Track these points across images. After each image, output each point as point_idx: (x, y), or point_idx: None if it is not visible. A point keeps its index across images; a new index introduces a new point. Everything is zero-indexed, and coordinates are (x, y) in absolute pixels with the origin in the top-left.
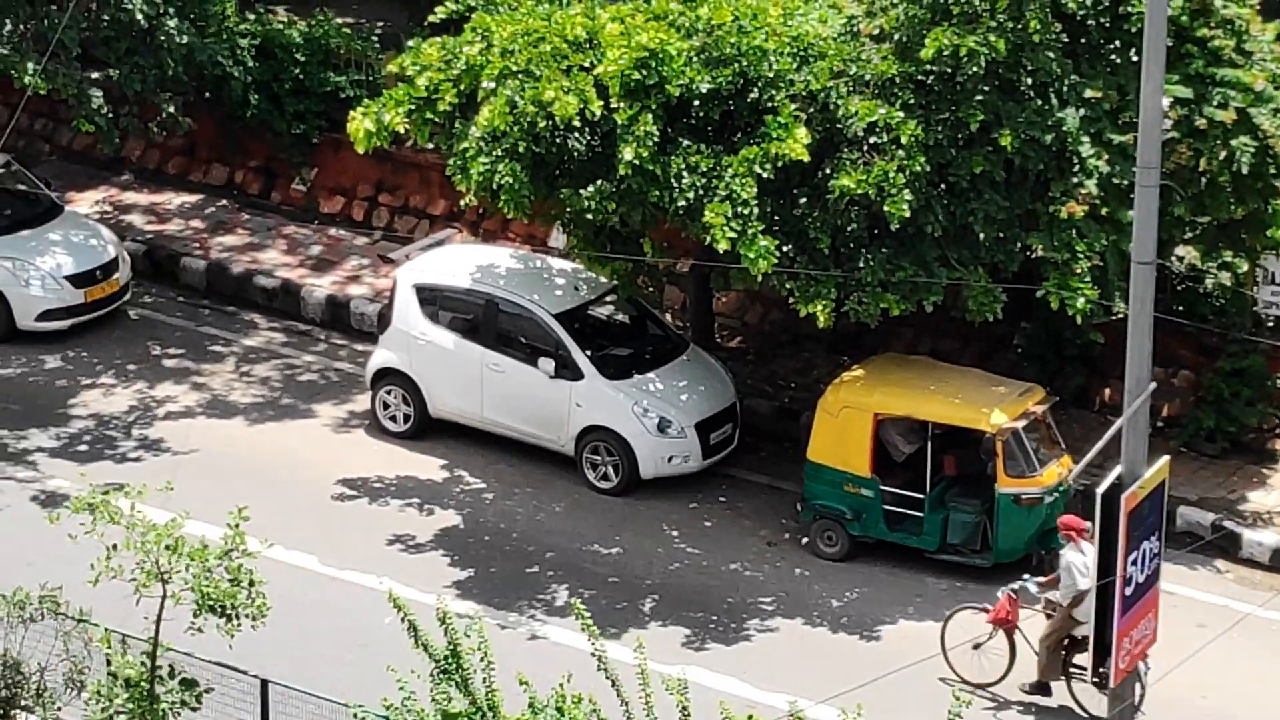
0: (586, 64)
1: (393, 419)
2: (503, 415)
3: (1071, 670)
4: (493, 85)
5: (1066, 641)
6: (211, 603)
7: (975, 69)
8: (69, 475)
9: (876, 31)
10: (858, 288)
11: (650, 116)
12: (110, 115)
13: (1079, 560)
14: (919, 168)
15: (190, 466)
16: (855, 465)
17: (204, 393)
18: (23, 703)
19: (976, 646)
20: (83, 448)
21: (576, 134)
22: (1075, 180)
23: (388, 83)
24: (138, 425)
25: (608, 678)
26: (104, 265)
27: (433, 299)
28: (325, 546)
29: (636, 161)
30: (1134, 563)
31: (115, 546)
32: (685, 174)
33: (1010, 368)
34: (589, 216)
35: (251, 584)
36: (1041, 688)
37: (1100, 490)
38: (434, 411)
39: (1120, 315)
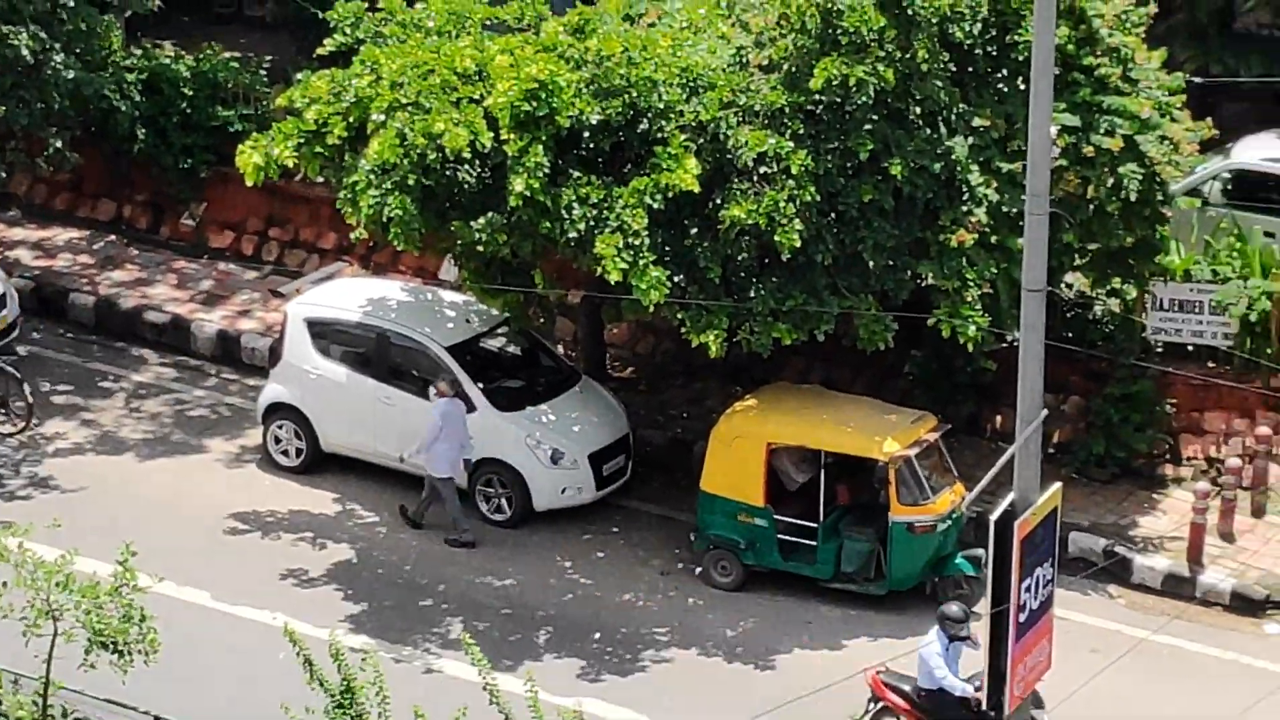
0: (476, 96)
1: (284, 453)
2: (395, 448)
3: None
4: (382, 118)
5: None
6: (103, 639)
7: (864, 98)
8: None
9: (765, 62)
10: (749, 317)
11: (540, 148)
12: None
13: None
14: (809, 197)
15: (80, 503)
16: (748, 495)
17: (94, 429)
18: None
19: None
20: None
21: (467, 166)
22: (965, 208)
23: (276, 116)
24: (26, 463)
25: (500, 711)
26: None
27: (324, 333)
28: (217, 582)
29: (527, 193)
30: (1027, 589)
31: (5, 584)
32: (576, 205)
33: (902, 396)
34: (480, 249)
35: (143, 620)
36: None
37: (993, 517)
38: (326, 445)
39: (1011, 342)
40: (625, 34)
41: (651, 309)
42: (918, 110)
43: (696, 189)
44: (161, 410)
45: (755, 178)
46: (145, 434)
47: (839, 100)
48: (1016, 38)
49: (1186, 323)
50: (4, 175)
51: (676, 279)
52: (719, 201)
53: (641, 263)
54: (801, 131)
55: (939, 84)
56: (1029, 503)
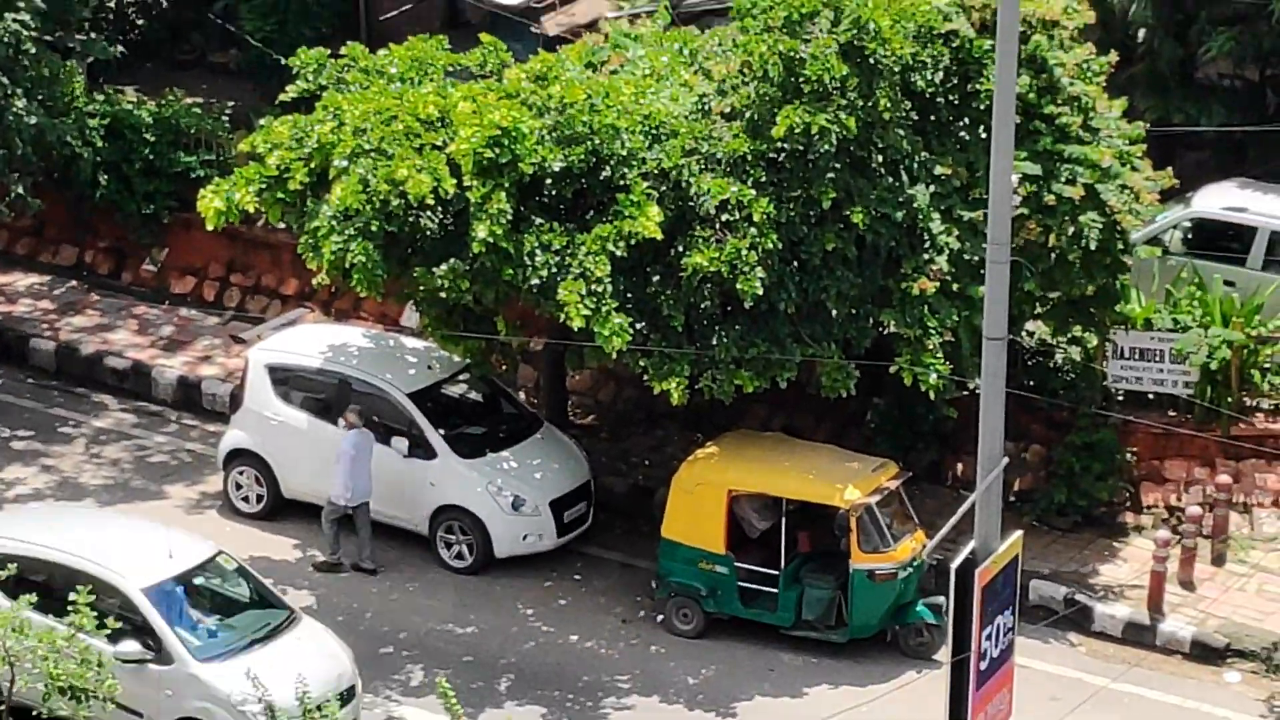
0: (439, 142)
1: (245, 500)
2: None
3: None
4: (345, 164)
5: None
6: (60, 685)
7: (826, 146)
8: None
9: (728, 109)
10: (711, 365)
11: (503, 194)
12: None
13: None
14: (771, 245)
15: None
16: (710, 542)
17: (54, 475)
18: None
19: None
20: None
21: (429, 212)
22: (926, 256)
23: (238, 162)
24: None
25: None
26: None
27: (285, 379)
28: None
29: (490, 239)
30: (988, 637)
31: None
32: (539, 252)
33: (864, 443)
34: (442, 295)
35: (100, 665)
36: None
37: (954, 565)
38: (287, 492)
39: (972, 390)
40: (588, 81)
41: (614, 356)
42: (880, 158)
43: (659, 236)
44: (122, 456)
45: (717, 225)
46: (105, 480)
47: (801, 148)
48: (978, 86)
49: (1147, 371)
50: None
51: (639, 326)
52: (681, 249)
53: (604, 310)
54: (764, 179)
55: (901, 132)
56: (990, 551)
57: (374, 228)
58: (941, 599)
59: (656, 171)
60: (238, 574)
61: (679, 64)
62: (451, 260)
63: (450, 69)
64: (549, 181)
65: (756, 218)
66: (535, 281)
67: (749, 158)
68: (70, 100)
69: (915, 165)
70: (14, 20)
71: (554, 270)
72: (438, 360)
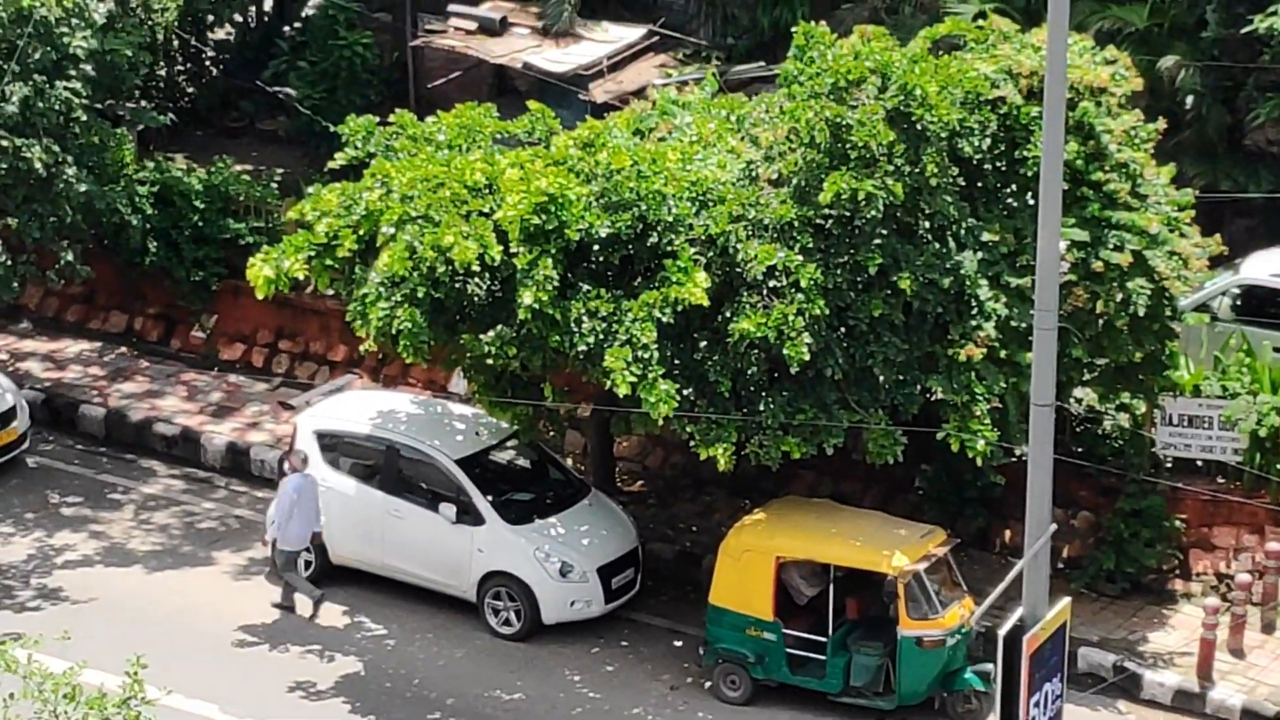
0: (486, 209)
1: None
2: (404, 561)
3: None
4: (392, 231)
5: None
6: None
7: (873, 212)
8: None
9: (775, 176)
10: (758, 431)
11: (550, 261)
12: (8, 263)
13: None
14: (818, 311)
15: (89, 615)
16: (757, 608)
17: (103, 541)
18: None
19: None
20: None
21: (476, 279)
22: (974, 323)
23: (287, 229)
24: (36, 574)
25: None
26: (2, 414)
27: (333, 445)
28: (226, 694)
29: (536, 306)
30: (1036, 704)
31: (12, 695)
32: (585, 318)
33: (911, 510)
34: (489, 361)
35: None
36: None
37: (1002, 632)
38: (335, 558)
39: (1020, 457)
40: (635, 148)
41: (661, 422)
42: (927, 225)
43: (706, 302)
44: (170, 522)
45: (764, 291)
46: (154, 546)
47: (848, 214)
48: (1025, 153)
49: (1196, 438)
50: (16, 288)
51: (686, 392)
52: (728, 315)
53: (651, 376)
54: (811, 245)
55: (948, 199)
56: (1038, 617)
57: (420, 294)
58: (990, 666)
59: (704, 238)
60: None
61: (726, 130)
62: (498, 327)
63: (498, 136)
64: (596, 248)
65: (804, 283)
66: (582, 348)
67: (796, 224)
68: (120, 168)
69: (962, 231)
70: (65, 88)
71: (601, 337)
72: (485, 426)
